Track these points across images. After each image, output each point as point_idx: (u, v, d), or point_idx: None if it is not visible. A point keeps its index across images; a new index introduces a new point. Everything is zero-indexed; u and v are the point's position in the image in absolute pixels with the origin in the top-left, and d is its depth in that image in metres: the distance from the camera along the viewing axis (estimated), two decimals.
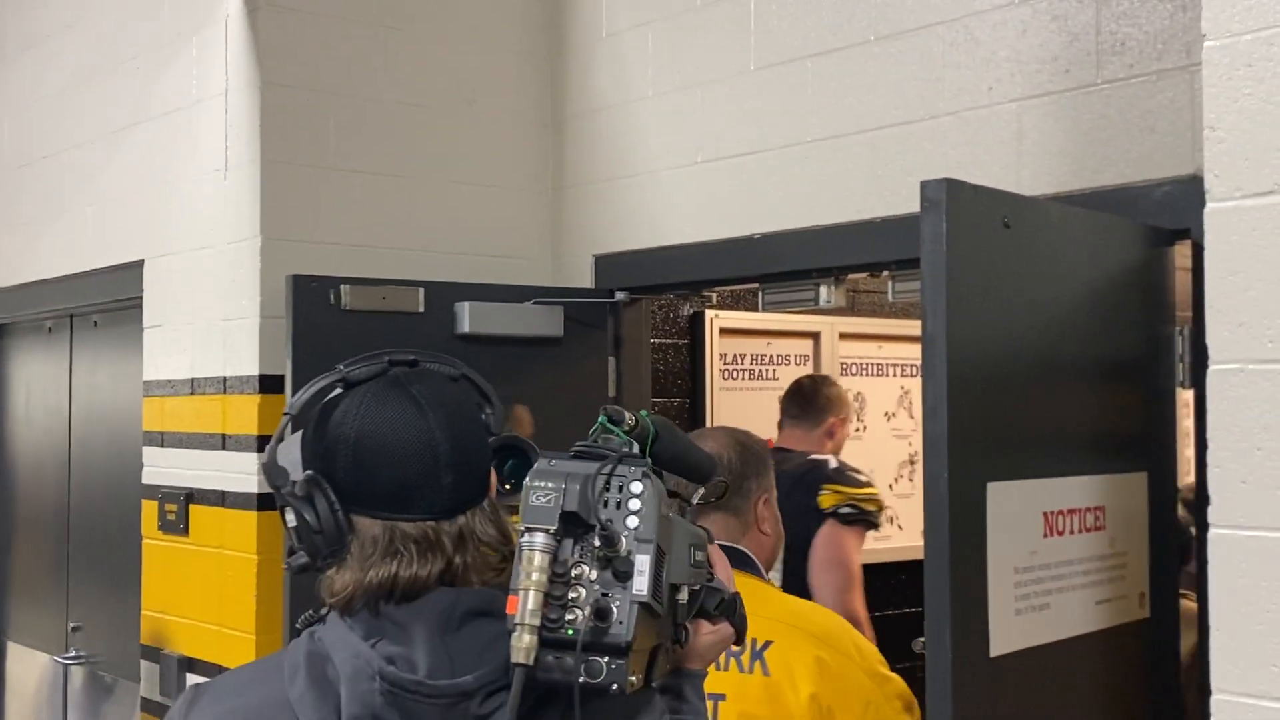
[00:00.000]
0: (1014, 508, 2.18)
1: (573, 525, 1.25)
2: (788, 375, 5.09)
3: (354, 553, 1.31)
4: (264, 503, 3.48)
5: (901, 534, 5.02)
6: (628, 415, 1.36)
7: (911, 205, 2.47)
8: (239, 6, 3.58)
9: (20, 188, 4.85)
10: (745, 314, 4.87)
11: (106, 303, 4.38)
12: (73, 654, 4.57)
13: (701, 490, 1.53)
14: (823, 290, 3.43)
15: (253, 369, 3.53)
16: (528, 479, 1.27)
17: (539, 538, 1.23)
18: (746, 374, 4.94)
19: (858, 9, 3.22)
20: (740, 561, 2.12)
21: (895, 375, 5.31)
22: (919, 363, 5.18)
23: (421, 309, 3.58)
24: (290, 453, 1.38)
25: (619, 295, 3.81)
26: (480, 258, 3.88)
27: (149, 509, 3.91)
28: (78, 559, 4.68)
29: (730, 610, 1.47)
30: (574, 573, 1.24)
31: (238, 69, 3.61)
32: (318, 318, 3.42)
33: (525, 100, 4.00)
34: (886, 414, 5.25)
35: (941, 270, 2.02)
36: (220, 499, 3.62)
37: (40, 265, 4.69)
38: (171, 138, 3.94)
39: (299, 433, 1.42)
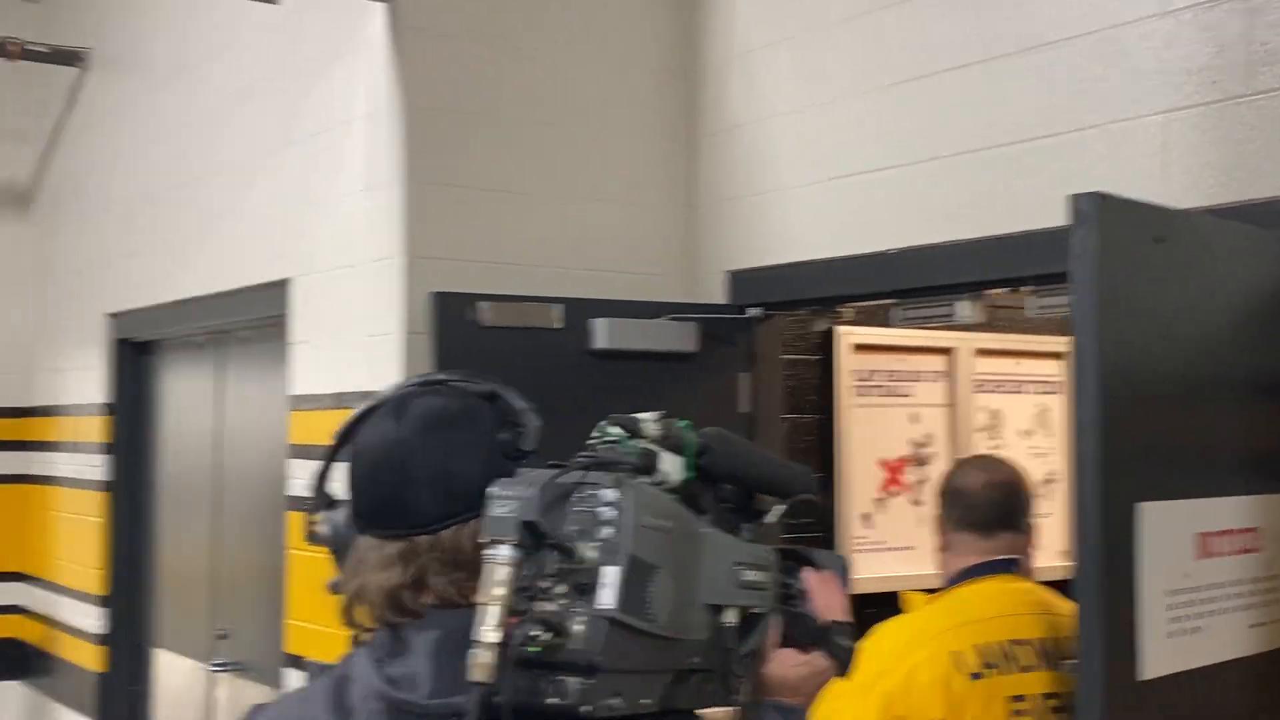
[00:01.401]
0: (1166, 529, 2.13)
1: (537, 536, 1.19)
2: (921, 392, 5.04)
3: (349, 567, 1.36)
4: None
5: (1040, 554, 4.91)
6: (648, 425, 1.30)
7: (1053, 219, 2.43)
8: (383, 31, 3.68)
9: (173, 208, 5.03)
10: (878, 330, 4.82)
11: (254, 319, 4.51)
12: (219, 661, 4.71)
13: (778, 507, 1.43)
14: (960, 306, 3.40)
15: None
16: (491, 489, 1.24)
17: (502, 550, 1.18)
18: (879, 390, 4.89)
19: (997, 22, 3.19)
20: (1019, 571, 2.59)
21: (1033, 392, 5.22)
22: (1058, 379, 5.12)
23: (558, 325, 3.64)
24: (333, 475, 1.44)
25: (752, 311, 3.82)
26: (615, 274, 3.92)
27: (294, 520, 4.02)
28: (225, 568, 4.82)
29: (822, 640, 1.41)
30: (542, 585, 1.18)
31: (382, 92, 3.70)
32: (458, 334, 3.49)
33: (659, 118, 4.04)
34: (1024, 432, 5.16)
35: (1092, 285, 1.99)
36: None
37: (192, 283, 4.85)
38: (317, 159, 4.06)
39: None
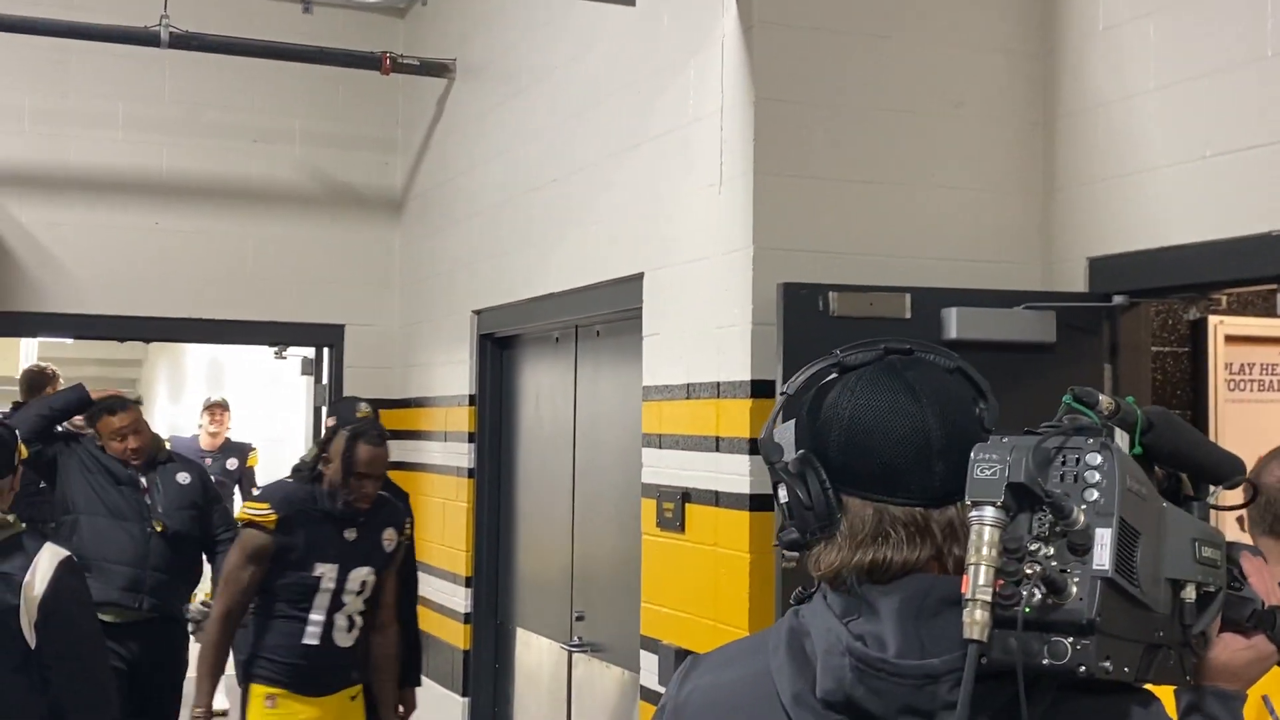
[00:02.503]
0: None
1: (1022, 498, 1.20)
2: None
3: (843, 531, 1.33)
4: (756, 503, 3.59)
5: None
6: (1103, 398, 1.30)
7: None
8: (735, 26, 3.73)
9: (532, 209, 5.27)
10: (1255, 320, 4.52)
11: (609, 314, 4.67)
12: (576, 641, 4.90)
13: (1218, 490, 1.41)
14: None
15: (744, 374, 3.65)
16: (973, 453, 1.24)
17: (987, 511, 1.19)
18: (1255, 385, 4.57)
19: None
20: None
21: None
22: None
23: (908, 315, 3.58)
24: (786, 433, 1.42)
25: (1117, 299, 3.64)
26: (965, 262, 3.83)
27: (648, 507, 4.13)
28: (581, 552, 5.01)
29: (1269, 623, 1.36)
30: (1030, 547, 1.19)
31: (732, 86, 3.75)
32: (806, 324, 3.49)
33: (1014, 101, 3.91)
34: None
35: None
36: (714, 499, 3.77)
37: (549, 280, 5.07)
38: (668, 156, 4.16)
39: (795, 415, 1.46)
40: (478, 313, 5.83)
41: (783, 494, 1.37)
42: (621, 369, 4.65)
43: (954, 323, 3.57)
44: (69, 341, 11.18)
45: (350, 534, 4.08)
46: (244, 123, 6.60)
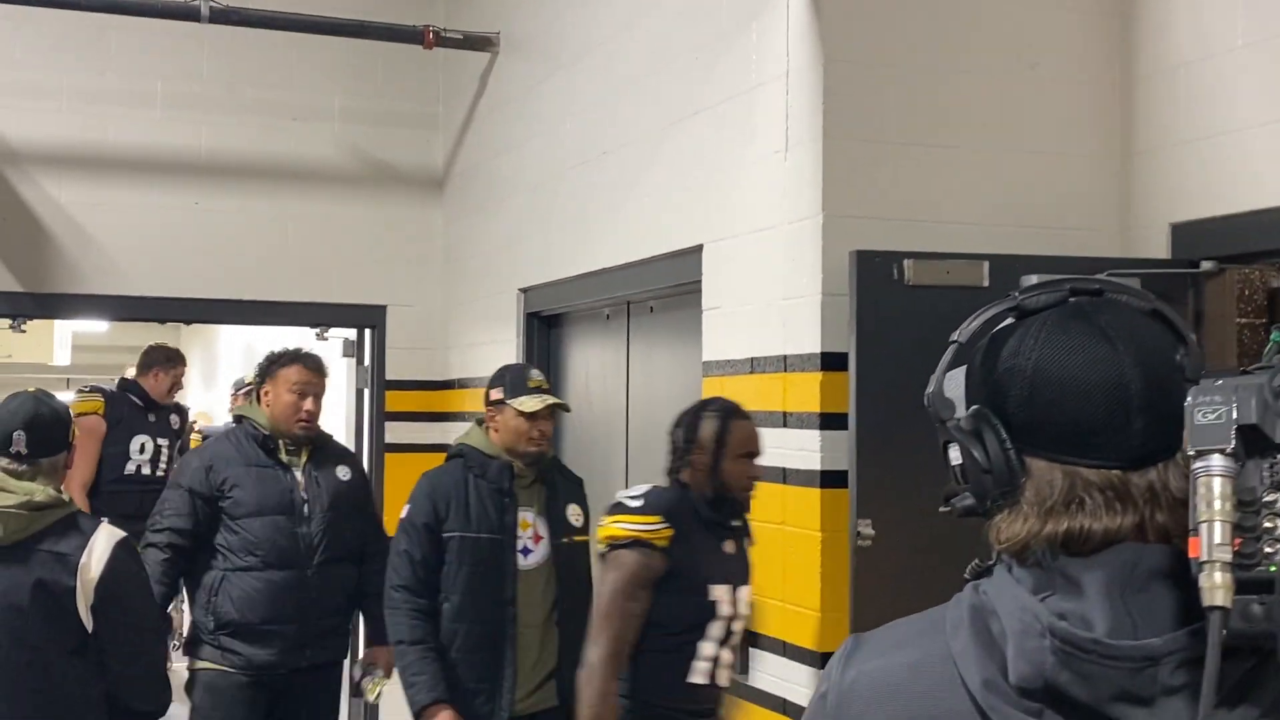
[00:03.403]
0: None
1: (1254, 442, 1.06)
2: None
3: (1028, 497, 1.19)
4: (827, 480, 3.47)
5: None
6: None
7: None
8: None
9: (581, 183, 5.14)
10: None
11: (664, 288, 4.54)
12: None
13: None
14: None
15: (814, 347, 3.53)
16: (1188, 398, 1.10)
17: (1215, 460, 1.06)
18: None
19: None
20: None
21: None
22: None
23: (986, 283, 3.45)
24: (955, 385, 1.28)
25: (1205, 265, 3.50)
26: (1042, 229, 3.71)
27: None
28: None
29: None
30: (1265, 498, 1.05)
31: (799, 48, 3.62)
32: (880, 294, 3.38)
33: (1092, 62, 3.77)
34: None
35: None
36: (781, 476, 3.64)
37: (599, 256, 4.95)
38: (729, 124, 4.03)
39: (963, 366, 1.32)
40: (524, 291, 5.71)
41: (954, 455, 1.23)
42: (677, 344, 4.53)
43: None
44: (104, 328, 11.16)
45: (729, 546, 3.34)
46: (283, 100, 6.49)
